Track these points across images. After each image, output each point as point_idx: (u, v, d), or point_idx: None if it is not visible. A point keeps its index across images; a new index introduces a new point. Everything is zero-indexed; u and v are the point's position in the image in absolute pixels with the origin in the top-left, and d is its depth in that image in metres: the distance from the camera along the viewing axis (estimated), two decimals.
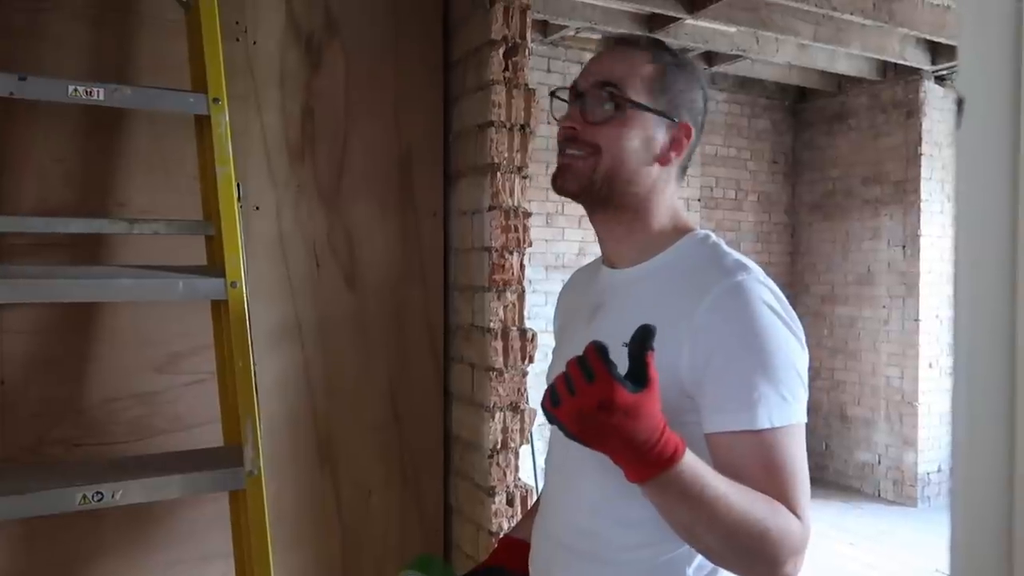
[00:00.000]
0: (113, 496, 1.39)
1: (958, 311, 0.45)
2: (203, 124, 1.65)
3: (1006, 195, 0.43)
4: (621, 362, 1.00)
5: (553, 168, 1.08)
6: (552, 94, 1.14)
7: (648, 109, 1.03)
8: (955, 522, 0.44)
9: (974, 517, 0.44)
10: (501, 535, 1.79)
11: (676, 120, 1.05)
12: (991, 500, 0.43)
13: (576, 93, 1.06)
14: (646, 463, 0.82)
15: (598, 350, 0.80)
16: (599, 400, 0.79)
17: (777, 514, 0.89)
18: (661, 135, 1.05)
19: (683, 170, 1.11)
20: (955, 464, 0.44)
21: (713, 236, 1.08)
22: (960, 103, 0.46)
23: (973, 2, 0.45)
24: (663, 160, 1.06)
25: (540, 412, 0.92)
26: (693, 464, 0.84)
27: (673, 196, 1.10)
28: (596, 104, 1.03)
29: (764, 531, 0.87)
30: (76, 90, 1.46)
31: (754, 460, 0.92)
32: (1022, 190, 0.43)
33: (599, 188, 1.04)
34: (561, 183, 1.06)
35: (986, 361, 0.44)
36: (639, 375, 0.81)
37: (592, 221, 1.12)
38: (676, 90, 1.06)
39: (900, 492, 5.64)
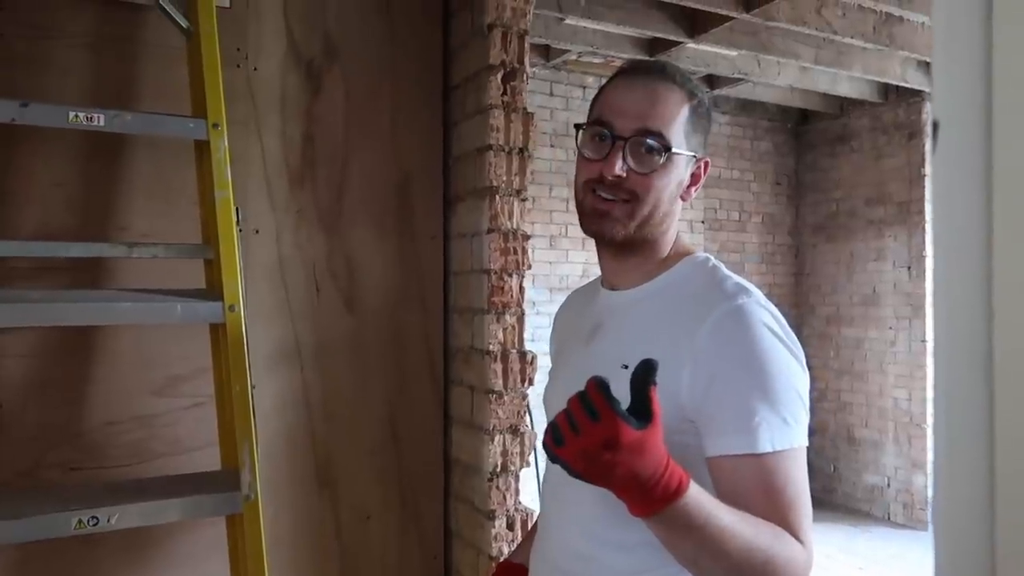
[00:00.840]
0: (109, 520, 1.38)
1: (937, 331, 0.45)
2: (203, 149, 1.67)
3: (980, 217, 0.43)
4: (621, 384, 1.00)
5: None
6: (579, 127, 1.09)
7: (687, 154, 1.05)
8: (938, 545, 0.44)
9: (957, 539, 0.44)
10: (501, 559, 1.78)
11: (699, 157, 1.07)
12: (974, 522, 0.43)
13: (615, 135, 1.02)
14: (651, 498, 0.80)
15: (599, 386, 0.78)
16: (604, 439, 0.77)
17: (782, 542, 0.88)
18: (688, 172, 1.07)
19: None
20: (937, 486, 0.44)
21: (712, 259, 1.08)
22: (935, 127, 0.46)
23: (944, 27, 0.45)
24: (687, 196, 1.08)
25: (538, 434, 0.91)
26: (697, 496, 0.82)
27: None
28: (641, 154, 1.01)
29: (769, 560, 0.86)
30: (76, 116, 1.47)
31: (755, 484, 0.91)
32: (996, 212, 0.43)
33: (634, 234, 1.04)
34: (599, 229, 1.04)
35: (965, 381, 0.44)
36: (642, 410, 0.80)
37: (604, 252, 1.11)
38: (705, 127, 1.07)
39: (910, 515, 5.57)
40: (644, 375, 0.80)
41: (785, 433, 0.92)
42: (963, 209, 0.44)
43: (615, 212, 1.03)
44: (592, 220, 1.05)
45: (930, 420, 5.49)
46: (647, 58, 1.03)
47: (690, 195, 1.08)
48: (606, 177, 1.02)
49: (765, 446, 0.91)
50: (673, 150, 1.01)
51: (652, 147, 1.01)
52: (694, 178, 1.07)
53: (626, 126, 1.02)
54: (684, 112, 1.03)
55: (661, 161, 1.01)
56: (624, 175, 1.01)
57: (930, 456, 5.48)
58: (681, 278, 1.05)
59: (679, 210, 1.09)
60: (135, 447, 1.77)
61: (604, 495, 0.87)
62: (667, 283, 1.05)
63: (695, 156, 1.06)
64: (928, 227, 5.51)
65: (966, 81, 0.44)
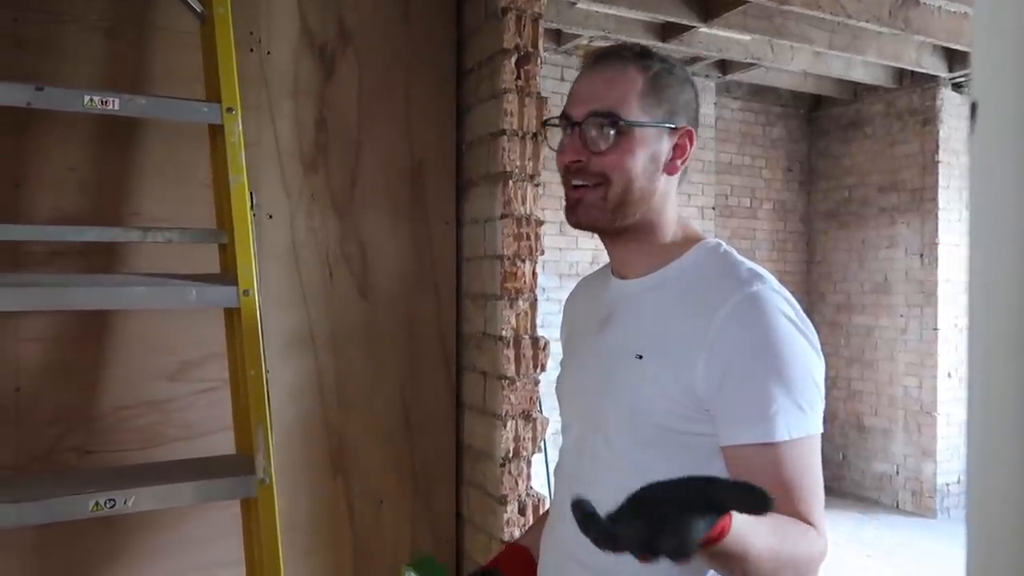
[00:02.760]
0: (125, 503, 1.39)
1: (972, 320, 0.44)
2: (217, 133, 1.67)
3: (1020, 200, 0.43)
4: (634, 373, 0.99)
5: None
6: (545, 123, 1.12)
7: (648, 125, 1.01)
8: (971, 537, 0.43)
9: (991, 531, 0.43)
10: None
11: (676, 126, 1.04)
12: (1009, 514, 0.42)
13: (570, 122, 1.03)
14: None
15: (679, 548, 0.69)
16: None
17: (808, 541, 0.89)
18: (665, 145, 1.03)
19: (685, 175, 1.09)
20: (970, 477, 0.43)
21: (724, 244, 1.06)
22: (974, 108, 0.45)
23: (987, 6, 0.44)
24: (671, 169, 1.04)
25: (551, 421, 0.89)
26: (739, 529, 0.77)
27: (676, 201, 1.08)
28: (596, 134, 1.00)
29: (799, 565, 0.88)
30: (91, 100, 1.47)
31: (772, 472, 0.91)
32: None
33: (613, 216, 1.02)
34: (575, 218, 1.04)
35: (1002, 371, 0.43)
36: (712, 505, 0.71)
37: (605, 241, 1.10)
38: (671, 95, 1.04)
39: (919, 503, 5.57)
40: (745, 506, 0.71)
41: (801, 421, 0.92)
42: (1002, 192, 0.43)
43: (587, 198, 1.02)
44: (570, 211, 1.04)
45: (940, 408, 5.47)
46: (611, 45, 1.03)
47: (677, 168, 1.04)
48: (568, 165, 1.02)
49: (782, 434, 0.91)
50: (624, 122, 0.99)
51: (602, 124, 1.00)
52: (679, 150, 1.04)
53: (579, 111, 1.02)
54: (638, 85, 1.01)
55: (614, 136, 1.00)
56: (584, 159, 1.01)
57: (940, 444, 5.47)
58: (693, 265, 1.03)
59: (668, 187, 1.05)
60: (149, 431, 1.78)
61: (618, 483, 0.86)
62: (679, 271, 1.04)
63: (668, 126, 1.03)
64: (940, 214, 5.47)
65: (1008, 61, 0.43)
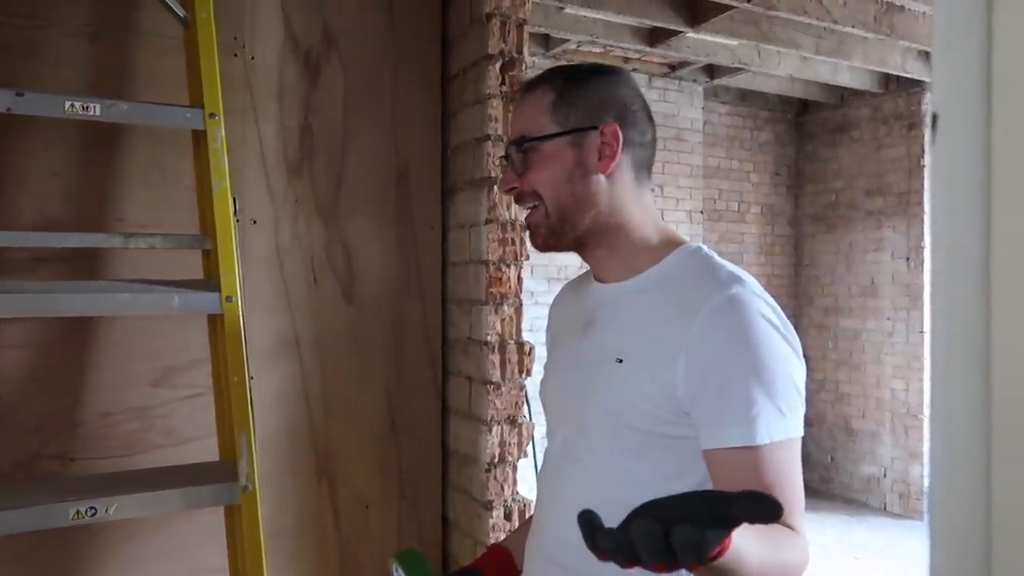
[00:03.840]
0: (107, 511, 1.38)
1: (934, 325, 0.45)
2: (200, 139, 1.66)
3: (979, 209, 0.43)
4: (616, 376, 0.99)
5: None
6: (502, 160, 1.19)
7: (554, 135, 1.03)
8: (934, 537, 0.44)
9: (952, 536, 0.43)
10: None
11: (595, 127, 1.03)
12: (969, 515, 0.43)
13: (505, 156, 1.10)
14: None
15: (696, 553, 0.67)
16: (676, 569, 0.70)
17: (793, 547, 0.89)
18: (587, 149, 1.03)
19: (642, 170, 1.07)
20: (933, 479, 0.44)
21: (705, 248, 1.07)
22: (935, 119, 0.46)
23: (945, 17, 0.45)
24: (603, 168, 1.03)
25: (538, 425, 0.88)
26: (735, 542, 0.76)
27: (644, 202, 1.07)
28: (516, 159, 1.06)
29: (788, 572, 0.88)
30: (73, 106, 1.47)
31: (753, 476, 0.91)
32: (995, 205, 0.43)
33: (562, 228, 1.05)
34: (534, 242, 1.10)
35: (962, 374, 0.44)
36: (720, 519, 0.69)
37: (577, 253, 1.11)
38: (582, 100, 1.04)
39: (906, 505, 5.60)
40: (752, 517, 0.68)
41: (782, 424, 0.92)
42: (962, 201, 0.44)
43: (533, 219, 1.07)
44: (531, 238, 1.10)
45: (927, 411, 5.50)
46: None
47: (608, 167, 1.03)
48: (507, 193, 1.10)
49: (763, 438, 0.91)
50: (528, 141, 1.04)
51: (517, 149, 1.06)
52: (607, 147, 1.03)
53: (508, 145, 1.09)
54: (548, 101, 1.05)
55: (528, 156, 1.05)
56: (515, 185, 1.06)
57: (926, 447, 5.50)
58: (674, 269, 1.03)
59: (614, 187, 1.04)
60: (132, 438, 1.77)
61: (602, 487, 0.86)
62: (659, 274, 1.04)
63: (581, 129, 1.02)
64: (927, 218, 5.51)
65: (966, 72, 0.44)
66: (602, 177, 1.03)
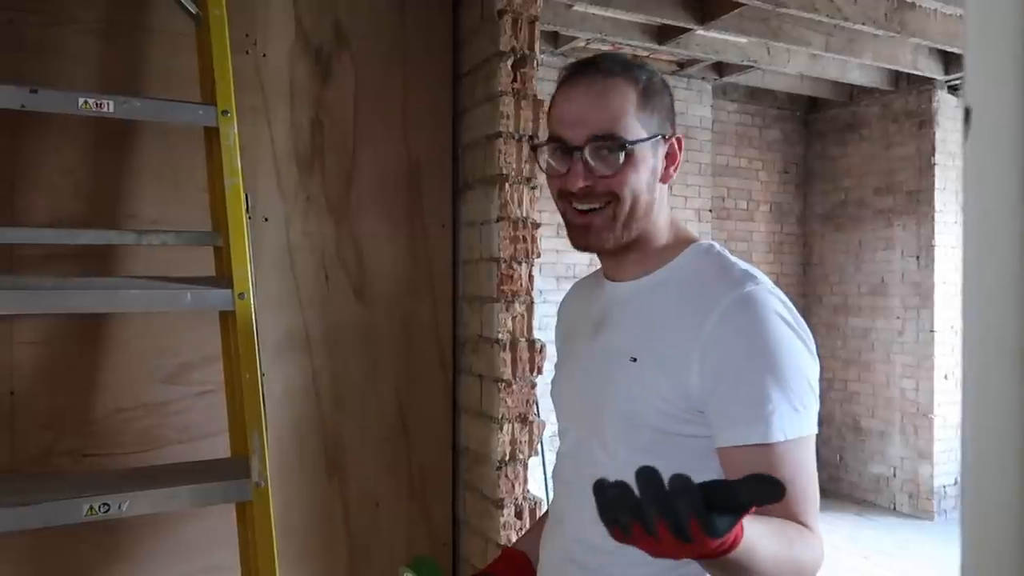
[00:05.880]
0: (120, 507, 1.38)
1: (967, 324, 0.44)
2: (212, 136, 1.66)
3: (1015, 205, 0.43)
4: (630, 375, 0.99)
5: None
6: (535, 148, 1.09)
7: (647, 140, 1.01)
8: (965, 540, 0.43)
9: (985, 535, 0.43)
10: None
11: (666, 136, 1.04)
12: (1003, 517, 0.42)
13: (568, 147, 1.01)
14: (702, 557, 0.74)
15: (697, 512, 0.66)
16: (685, 552, 0.69)
17: (808, 546, 0.88)
18: (660, 155, 1.03)
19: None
20: (964, 483, 0.43)
21: (717, 246, 1.06)
22: (967, 113, 0.45)
23: (979, 11, 0.44)
24: (664, 178, 1.05)
25: (548, 424, 0.88)
26: (748, 537, 0.76)
27: (668, 205, 1.08)
28: (601, 158, 0.99)
29: (802, 571, 0.87)
30: (86, 102, 1.47)
31: (767, 473, 0.91)
32: None
33: (622, 234, 1.02)
34: (586, 242, 1.03)
35: (996, 376, 0.43)
36: (726, 505, 0.68)
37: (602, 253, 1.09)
38: (660, 105, 1.03)
39: (916, 505, 5.57)
40: (755, 499, 0.68)
41: (796, 422, 0.91)
42: (995, 197, 0.43)
43: (596, 222, 1.01)
44: (579, 235, 1.03)
45: (937, 410, 5.48)
46: (585, 58, 1.01)
47: (670, 176, 1.05)
48: (573, 191, 1.00)
49: (777, 435, 0.90)
50: (629, 143, 0.98)
51: (609, 148, 0.99)
52: (670, 158, 1.04)
53: (578, 135, 0.99)
54: (632, 99, 1.00)
55: (621, 159, 0.98)
56: (591, 183, 0.99)
57: (936, 446, 5.47)
58: (686, 267, 1.03)
59: (665, 196, 1.06)
60: (145, 434, 1.78)
61: None
62: (672, 273, 1.03)
63: (661, 136, 1.02)
64: (937, 216, 5.48)
65: (1000, 66, 0.43)
66: (661, 185, 1.04)
